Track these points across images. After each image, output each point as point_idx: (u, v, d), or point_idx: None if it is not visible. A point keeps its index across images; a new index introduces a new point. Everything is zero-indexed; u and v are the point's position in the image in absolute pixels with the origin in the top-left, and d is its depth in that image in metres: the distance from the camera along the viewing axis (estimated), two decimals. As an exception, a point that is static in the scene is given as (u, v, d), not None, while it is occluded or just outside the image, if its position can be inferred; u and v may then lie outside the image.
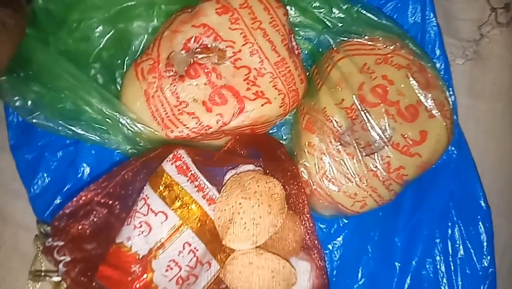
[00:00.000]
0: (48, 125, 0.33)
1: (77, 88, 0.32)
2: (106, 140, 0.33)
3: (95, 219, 0.27)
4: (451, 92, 0.37)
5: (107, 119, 0.32)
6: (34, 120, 0.33)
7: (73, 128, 0.33)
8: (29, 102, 0.33)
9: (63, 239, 0.26)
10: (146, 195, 0.29)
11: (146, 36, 0.36)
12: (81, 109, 0.32)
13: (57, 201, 0.36)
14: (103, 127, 0.33)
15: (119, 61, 0.36)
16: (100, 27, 0.34)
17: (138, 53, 0.36)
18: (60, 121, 0.33)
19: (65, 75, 0.32)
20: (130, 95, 0.33)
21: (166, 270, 0.29)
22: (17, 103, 0.33)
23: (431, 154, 0.35)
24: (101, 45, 0.35)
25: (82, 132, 0.33)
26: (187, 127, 0.32)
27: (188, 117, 0.32)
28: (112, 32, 0.34)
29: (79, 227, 0.26)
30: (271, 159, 0.35)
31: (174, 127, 0.32)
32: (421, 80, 0.35)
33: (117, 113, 0.32)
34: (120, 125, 0.32)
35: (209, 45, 0.32)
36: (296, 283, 0.32)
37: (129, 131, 0.32)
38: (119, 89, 0.35)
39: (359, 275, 0.38)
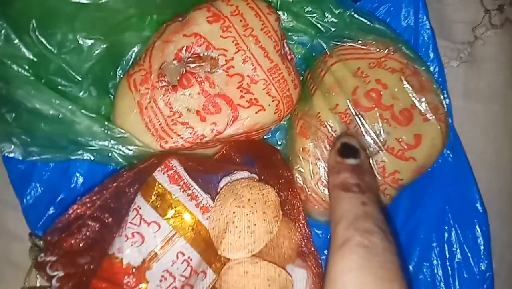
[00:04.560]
0: (44, 159, 0.34)
1: (65, 122, 0.32)
2: (101, 160, 0.34)
3: (87, 233, 0.27)
4: (445, 95, 0.37)
5: (100, 148, 0.33)
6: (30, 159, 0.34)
7: (68, 156, 0.33)
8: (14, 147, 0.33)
9: (56, 254, 0.26)
10: (138, 206, 0.29)
11: (138, 47, 0.36)
12: (73, 141, 0.33)
13: (50, 212, 0.36)
14: (96, 156, 0.33)
15: (111, 73, 0.36)
16: (92, 40, 0.34)
17: (130, 64, 0.36)
18: (57, 155, 0.33)
19: (48, 108, 0.32)
20: (123, 107, 0.33)
21: (160, 281, 0.28)
22: (5, 151, 0.33)
23: (426, 157, 0.35)
24: (94, 59, 0.34)
25: (76, 157, 0.34)
26: (182, 138, 0.32)
27: (182, 128, 0.32)
28: (105, 44, 0.34)
29: (72, 242, 0.26)
30: (266, 165, 0.35)
31: (168, 138, 0.32)
32: (415, 83, 0.35)
33: (108, 142, 0.32)
34: (113, 152, 0.33)
35: (201, 54, 0.32)
36: (292, 291, 0.32)
37: (123, 154, 0.33)
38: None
39: (356, 280, 0.38)
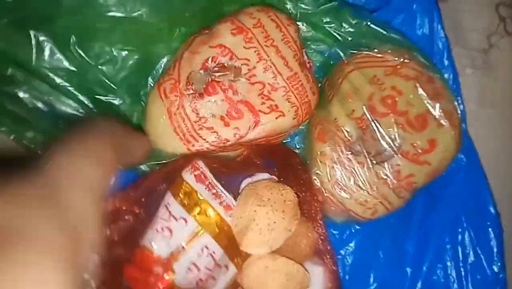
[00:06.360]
0: None
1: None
2: None
3: (122, 224, 0.30)
4: (459, 102, 0.38)
5: None
6: None
7: None
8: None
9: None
10: (168, 202, 0.31)
11: (167, 57, 0.38)
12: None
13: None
14: None
15: (143, 82, 0.38)
16: (126, 52, 0.36)
17: (160, 73, 0.38)
18: None
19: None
20: (154, 114, 0.35)
21: (187, 272, 0.31)
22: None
23: (440, 161, 0.35)
24: (127, 69, 0.37)
25: None
26: (207, 141, 0.34)
27: (207, 132, 0.34)
28: (137, 55, 0.37)
29: (108, 232, 0.29)
30: (285, 167, 0.36)
31: (195, 141, 0.34)
32: (429, 90, 0.36)
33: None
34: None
35: (225, 64, 0.34)
36: (309, 286, 0.34)
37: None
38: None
39: (371, 280, 0.39)
